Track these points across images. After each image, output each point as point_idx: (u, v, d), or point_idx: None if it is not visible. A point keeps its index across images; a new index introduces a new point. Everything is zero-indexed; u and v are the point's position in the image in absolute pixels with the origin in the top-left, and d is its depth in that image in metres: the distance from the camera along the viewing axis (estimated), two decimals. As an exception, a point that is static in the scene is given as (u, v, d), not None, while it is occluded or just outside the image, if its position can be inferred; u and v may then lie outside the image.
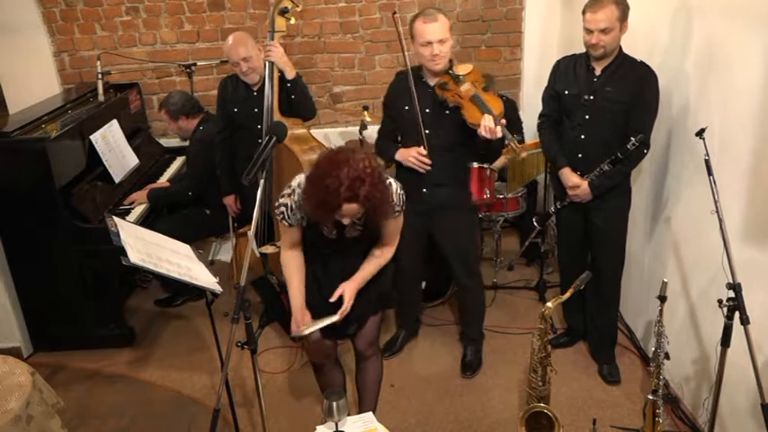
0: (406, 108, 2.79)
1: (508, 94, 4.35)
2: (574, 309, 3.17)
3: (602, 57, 2.61)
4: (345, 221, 2.05)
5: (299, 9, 3.10)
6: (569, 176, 2.79)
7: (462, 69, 2.72)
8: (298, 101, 3.17)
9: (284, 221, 2.20)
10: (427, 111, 2.75)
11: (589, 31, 2.56)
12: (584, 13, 2.58)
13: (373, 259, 2.29)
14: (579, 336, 3.25)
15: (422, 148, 2.76)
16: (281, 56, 3.07)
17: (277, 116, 3.13)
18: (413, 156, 2.77)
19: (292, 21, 3.11)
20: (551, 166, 3.01)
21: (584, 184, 2.74)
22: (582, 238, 2.96)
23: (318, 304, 2.29)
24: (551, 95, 2.88)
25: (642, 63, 2.62)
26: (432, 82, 2.76)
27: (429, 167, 2.77)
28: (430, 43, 2.61)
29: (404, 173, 2.88)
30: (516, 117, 3.96)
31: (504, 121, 2.49)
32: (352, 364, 2.68)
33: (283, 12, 3.03)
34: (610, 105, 2.63)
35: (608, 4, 2.50)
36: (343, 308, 2.20)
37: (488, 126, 2.45)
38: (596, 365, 3.08)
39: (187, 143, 3.81)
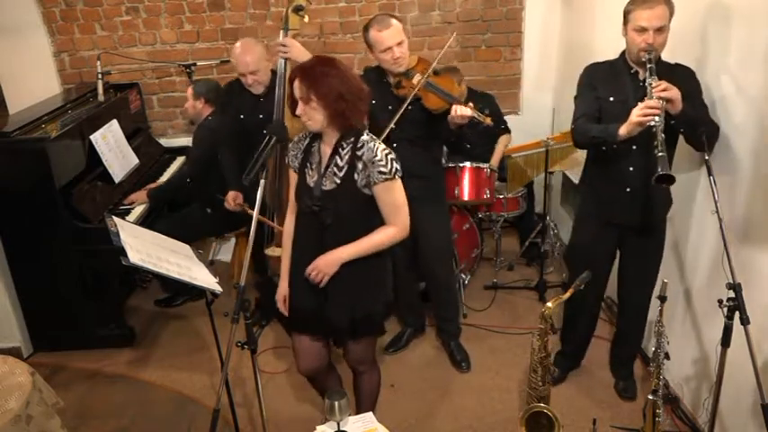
0: (373, 102, 2.82)
1: (508, 94, 4.37)
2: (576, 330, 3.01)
3: (650, 62, 2.29)
4: (298, 111, 2.05)
5: (312, 7, 3.06)
6: (634, 111, 2.24)
7: (411, 62, 2.77)
8: None
9: (290, 164, 2.24)
10: (390, 108, 2.80)
11: (642, 30, 2.29)
12: (630, 12, 2.34)
13: (373, 234, 2.15)
14: (572, 366, 3.10)
15: None
16: (299, 51, 2.93)
17: (288, 117, 3.07)
18: None
19: (306, 19, 3.01)
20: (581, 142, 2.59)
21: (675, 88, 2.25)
22: (610, 262, 2.80)
23: (295, 295, 2.28)
24: (593, 97, 2.53)
25: (678, 64, 2.44)
26: (392, 81, 2.83)
27: None
28: (389, 48, 2.68)
29: None
30: (497, 109, 3.93)
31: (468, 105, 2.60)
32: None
33: (297, 9, 2.94)
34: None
35: (660, 1, 2.27)
36: (308, 270, 2.14)
37: (459, 113, 2.56)
38: (613, 379, 3.03)
39: (189, 136, 3.81)
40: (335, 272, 2.14)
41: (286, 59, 2.98)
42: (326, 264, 2.12)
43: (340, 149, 2.10)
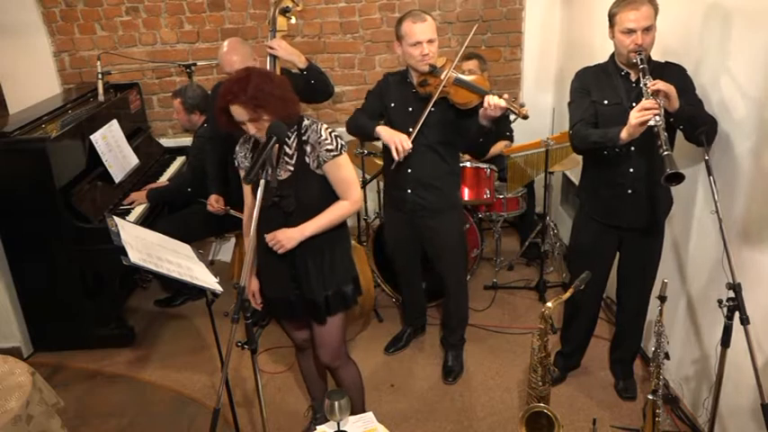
0: (393, 105, 2.82)
1: (508, 94, 4.36)
2: (577, 334, 3.00)
3: (642, 62, 2.28)
4: (250, 130, 2.06)
5: (299, 8, 3.08)
6: (632, 114, 2.21)
7: (438, 62, 2.72)
8: (317, 84, 3.08)
9: (240, 168, 2.27)
10: (410, 109, 2.76)
11: (630, 32, 2.29)
12: (615, 14, 2.33)
13: (329, 209, 2.20)
14: (571, 366, 3.09)
15: (408, 139, 2.68)
16: (286, 50, 2.99)
17: None
18: (398, 139, 2.66)
19: (293, 20, 3.08)
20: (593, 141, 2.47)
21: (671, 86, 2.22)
22: (610, 263, 2.78)
23: (266, 288, 2.36)
24: (588, 102, 2.51)
25: (668, 62, 2.44)
26: (415, 80, 2.77)
27: (404, 157, 2.67)
28: (419, 43, 2.63)
29: (388, 172, 2.89)
30: (505, 116, 3.92)
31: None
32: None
33: (284, 11, 3.00)
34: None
35: (644, 1, 2.28)
36: (268, 238, 2.16)
37: (492, 103, 2.43)
38: (613, 379, 3.02)
39: (189, 137, 3.80)
40: (304, 257, 2.21)
41: (275, 59, 3.01)
42: (287, 237, 2.15)
43: (286, 139, 2.16)
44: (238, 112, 2.02)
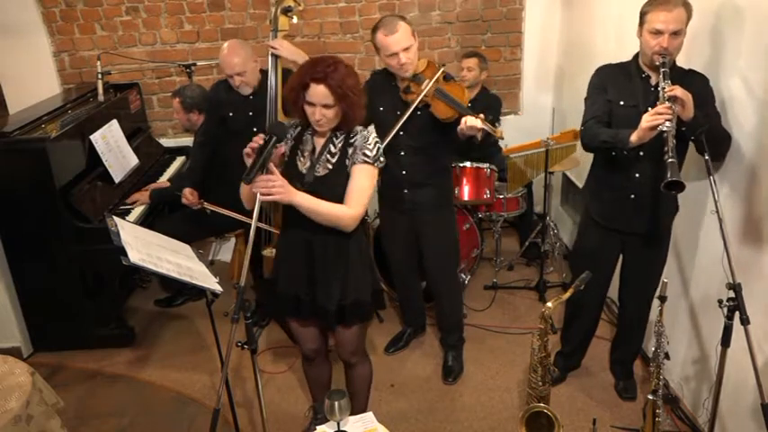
0: (381, 109, 2.81)
1: (508, 94, 4.37)
2: (578, 338, 3.00)
3: (663, 66, 2.23)
4: (316, 115, 2.05)
5: (301, 8, 3.07)
6: (644, 118, 2.19)
7: (420, 67, 2.70)
8: None
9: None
10: (398, 113, 2.75)
11: (657, 33, 2.23)
12: (647, 13, 2.27)
13: (334, 204, 2.13)
14: (572, 367, 3.09)
15: None
16: (289, 49, 2.97)
17: (281, 116, 3.08)
18: None
19: (295, 20, 3.06)
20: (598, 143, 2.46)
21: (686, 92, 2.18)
22: (612, 266, 2.77)
23: (284, 289, 2.32)
24: (603, 100, 2.48)
25: (691, 70, 2.39)
26: (400, 85, 2.76)
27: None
28: (395, 54, 2.60)
29: (385, 173, 2.88)
30: (497, 112, 3.87)
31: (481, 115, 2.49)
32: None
33: (286, 10, 2.98)
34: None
35: (678, 3, 2.22)
36: (266, 178, 2.00)
37: (471, 125, 2.44)
38: (613, 379, 3.03)
39: (189, 137, 3.80)
40: (326, 262, 2.21)
41: (276, 58, 2.99)
42: (286, 188, 2.02)
43: (334, 138, 2.19)
44: (321, 92, 2.02)
